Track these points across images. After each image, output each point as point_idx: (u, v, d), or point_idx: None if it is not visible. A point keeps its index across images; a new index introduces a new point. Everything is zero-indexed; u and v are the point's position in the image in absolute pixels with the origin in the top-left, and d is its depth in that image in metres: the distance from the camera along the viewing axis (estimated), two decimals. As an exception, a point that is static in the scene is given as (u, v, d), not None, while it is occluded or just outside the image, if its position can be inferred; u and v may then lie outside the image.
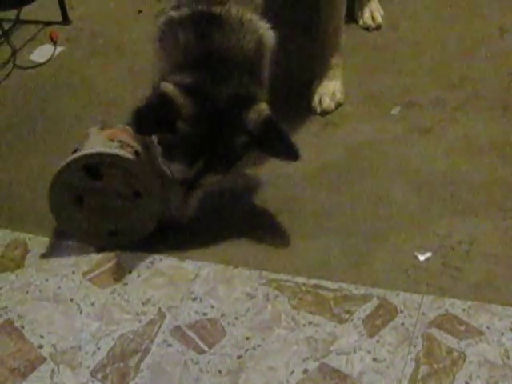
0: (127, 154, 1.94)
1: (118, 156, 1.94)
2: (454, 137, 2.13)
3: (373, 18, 2.57)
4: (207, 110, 1.86)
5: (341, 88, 2.32)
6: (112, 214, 2.00)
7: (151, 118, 1.86)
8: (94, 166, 1.94)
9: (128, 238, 2.02)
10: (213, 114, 1.85)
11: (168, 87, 1.85)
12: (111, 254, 1.99)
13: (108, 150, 1.95)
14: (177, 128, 1.85)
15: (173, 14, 1.97)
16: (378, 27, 2.56)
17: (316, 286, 1.83)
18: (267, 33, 1.97)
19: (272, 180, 2.12)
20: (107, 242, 2.03)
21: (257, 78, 1.92)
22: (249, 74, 1.90)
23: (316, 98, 2.31)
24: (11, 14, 2.85)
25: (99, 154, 1.94)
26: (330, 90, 2.31)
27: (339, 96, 2.30)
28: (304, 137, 2.20)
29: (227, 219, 2.04)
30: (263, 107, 1.87)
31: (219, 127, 1.86)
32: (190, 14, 1.94)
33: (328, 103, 2.29)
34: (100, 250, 2.01)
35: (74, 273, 1.96)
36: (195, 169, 1.87)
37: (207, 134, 1.86)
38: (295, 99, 2.33)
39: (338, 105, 2.30)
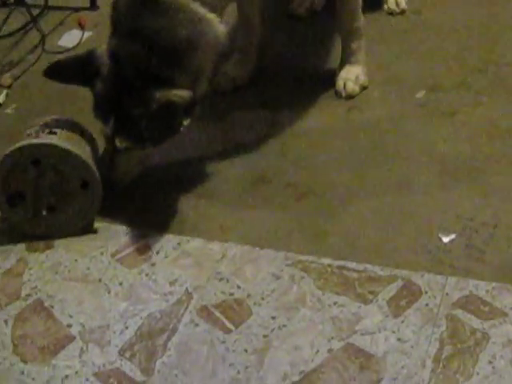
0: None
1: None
2: (478, 121, 2.12)
3: (397, 3, 2.56)
4: (119, 76, 1.92)
5: (364, 71, 2.32)
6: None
7: (72, 66, 2.02)
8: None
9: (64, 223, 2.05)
10: (122, 81, 1.92)
11: (101, 47, 1.97)
12: (139, 236, 1.99)
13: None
14: (94, 84, 1.97)
15: None
16: (402, 12, 2.56)
17: (341, 267, 1.83)
18: (213, 28, 1.95)
19: (298, 162, 2.12)
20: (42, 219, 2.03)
21: (181, 65, 1.91)
22: (171, 59, 1.90)
23: (340, 83, 2.30)
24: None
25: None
26: (353, 75, 2.31)
27: (363, 79, 2.30)
28: (330, 121, 2.21)
29: (254, 202, 2.05)
30: (172, 93, 1.87)
31: (126, 95, 1.91)
32: None
33: (352, 87, 2.29)
34: (128, 231, 2.01)
35: (102, 253, 1.97)
36: (110, 128, 1.95)
37: (115, 98, 1.93)
38: (321, 84, 2.33)
39: (363, 88, 2.30)
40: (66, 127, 2.05)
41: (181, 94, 1.86)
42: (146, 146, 2.00)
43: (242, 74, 2.38)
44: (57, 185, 1.99)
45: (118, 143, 1.91)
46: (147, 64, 1.89)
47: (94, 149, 2.08)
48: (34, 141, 1.97)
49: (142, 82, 1.89)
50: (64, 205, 2.01)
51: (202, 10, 1.92)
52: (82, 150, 2.01)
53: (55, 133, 2.00)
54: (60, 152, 1.96)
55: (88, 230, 2.06)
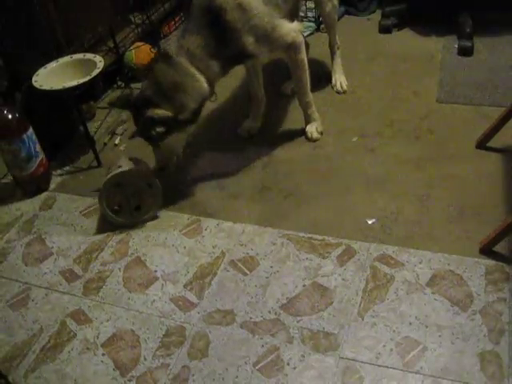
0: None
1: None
2: (388, 154, 2.12)
3: (341, 86, 2.52)
4: (135, 104, 1.92)
5: (320, 124, 2.25)
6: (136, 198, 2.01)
7: (124, 100, 2.10)
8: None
9: (147, 212, 2.02)
10: (136, 107, 1.90)
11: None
12: (194, 219, 2.00)
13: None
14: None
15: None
16: (344, 91, 2.51)
17: (310, 238, 1.85)
18: (199, 83, 1.87)
19: (285, 177, 2.12)
20: (135, 215, 2.02)
21: (169, 97, 1.83)
22: (165, 93, 1.83)
23: (308, 133, 2.25)
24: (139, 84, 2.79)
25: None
26: (314, 128, 2.24)
27: (320, 129, 2.25)
28: (302, 153, 2.20)
29: (259, 199, 2.04)
30: (153, 112, 1.82)
31: (137, 113, 1.91)
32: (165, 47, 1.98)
33: (316, 135, 2.24)
34: (189, 217, 2.02)
35: (174, 229, 1.98)
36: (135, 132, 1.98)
37: (133, 114, 1.95)
38: (297, 134, 2.31)
39: (321, 134, 2.25)
40: (126, 161, 2.02)
41: (159, 113, 1.81)
42: (153, 144, 1.95)
43: (254, 127, 2.33)
44: (136, 192, 1.99)
45: (133, 135, 1.98)
46: (150, 95, 1.85)
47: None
48: (111, 174, 1.96)
49: (143, 105, 1.85)
50: (143, 202, 2.00)
51: (195, 72, 1.85)
52: (141, 167, 2.00)
53: (121, 166, 1.98)
54: (127, 173, 1.96)
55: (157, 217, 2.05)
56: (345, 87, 2.51)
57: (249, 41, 1.87)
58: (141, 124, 1.89)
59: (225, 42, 1.85)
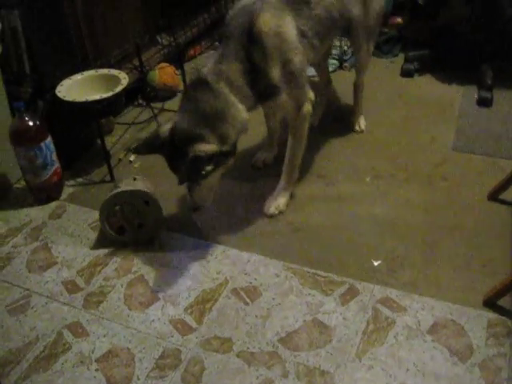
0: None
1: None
2: (399, 197, 2.12)
3: (359, 127, 2.51)
4: (171, 142, 1.72)
5: (284, 201, 2.09)
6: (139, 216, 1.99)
7: (147, 145, 1.83)
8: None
9: (150, 231, 2.00)
10: (173, 147, 1.71)
11: (164, 126, 1.78)
12: (201, 244, 1.99)
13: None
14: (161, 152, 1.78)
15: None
16: (362, 131, 2.51)
17: (314, 274, 1.84)
18: (239, 112, 1.74)
19: (297, 212, 2.11)
20: (139, 233, 2.00)
21: (211, 128, 1.68)
22: (206, 123, 1.68)
23: (267, 206, 2.10)
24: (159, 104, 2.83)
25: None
26: (280, 201, 2.09)
27: (281, 208, 2.08)
28: (316, 191, 2.19)
29: (268, 231, 2.03)
30: (199, 149, 1.65)
31: (175, 154, 1.72)
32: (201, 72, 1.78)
33: (273, 210, 2.08)
34: (194, 241, 2.01)
35: (180, 252, 1.97)
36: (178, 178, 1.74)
37: (170, 157, 1.76)
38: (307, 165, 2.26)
39: (279, 212, 2.09)
40: (126, 181, 2.02)
41: (206, 149, 1.65)
42: (193, 183, 1.77)
43: (269, 157, 2.32)
44: (135, 211, 1.97)
45: (179, 182, 1.75)
46: (187, 128, 1.68)
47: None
48: (108, 196, 1.96)
49: (185, 142, 1.67)
50: (144, 220, 1.99)
51: (236, 100, 1.73)
52: (135, 187, 1.96)
53: (119, 186, 1.98)
54: (122, 193, 1.95)
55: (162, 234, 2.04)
56: (363, 127, 2.51)
57: (277, 73, 1.79)
58: (186, 166, 1.66)
59: (259, 71, 1.76)
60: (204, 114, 1.69)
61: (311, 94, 1.95)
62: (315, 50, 1.94)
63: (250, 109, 1.80)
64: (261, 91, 1.79)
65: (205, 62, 1.82)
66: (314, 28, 1.89)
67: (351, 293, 1.75)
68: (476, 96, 2.68)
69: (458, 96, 2.72)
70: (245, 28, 1.75)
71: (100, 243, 2.03)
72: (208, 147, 1.66)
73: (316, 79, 2.64)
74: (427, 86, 2.85)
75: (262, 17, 1.75)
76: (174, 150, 1.71)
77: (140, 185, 1.98)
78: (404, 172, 2.25)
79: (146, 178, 2.08)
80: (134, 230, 1.99)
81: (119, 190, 1.95)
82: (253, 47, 1.74)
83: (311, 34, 1.88)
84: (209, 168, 1.71)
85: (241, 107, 1.75)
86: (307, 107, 1.95)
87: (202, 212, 1.94)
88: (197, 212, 1.91)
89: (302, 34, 1.85)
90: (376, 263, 1.84)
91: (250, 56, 1.75)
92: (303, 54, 1.85)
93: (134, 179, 2.01)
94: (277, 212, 2.06)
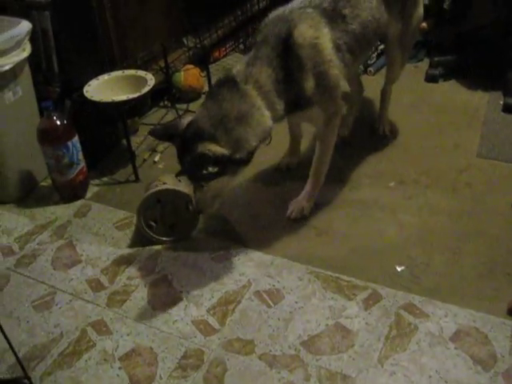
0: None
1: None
2: (423, 203, 2.10)
3: (384, 131, 2.50)
4: (184, 135, 1.67)
5: (308, 206, 2.07)
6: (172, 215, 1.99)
7: (165, 131, 1.81)
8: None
9: (179, 234, 2.01)
10: (185, 139, 1.67)
11: (185, 117, 1.76)
12: (226, 245, 1.99)
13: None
14: (175, 141, 1.74)
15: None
16: (386, 136, 2.50)
17: (337, 278, 1.83)
18: (263, 119, 1.69)
19: (320, 216, 2.11)
20: (168, 233, 2.00)
21: (229, 129, 1.62)
22: (225, 124, 1.62)
23: (293, 207, 2.09)
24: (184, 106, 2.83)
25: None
26: (304, 203, 2.07)
27: (307, 211, 2.07)
28: (339, 195, 2.18)
29: (291, 234, 2.03)
30: (206, 148, 1.59)
31: (184, 147, 1.67)
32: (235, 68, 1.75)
33: (296, 214, 2.07)
34: (220, 244, 2.01)
35: (204, 253, 1.98)
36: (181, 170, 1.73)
37: (180, 151, 1.70)
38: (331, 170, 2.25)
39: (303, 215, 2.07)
40: (171, 179, 2.01)
41: (214, 149, 1.59)
42: (197, 184, 1.73)
43: (293, 162, 2.30)
44: (173, 211, 1.98)
45: (176, 174, 1.73)
46: (205, 126, 1.63)
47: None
48: (155, 189, 1.95)
49: (195, 138, 1.63)
50: (178, 222, 2.00)
51: (262, 106, 1.68)
52: (182, 188, 1.95)
53: (166, 183, 1.98)
54: (169, 191, 1.95)
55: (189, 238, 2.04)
56: (387, 132, 2.50)
57: (310, 84, 1.76)
58: (189, 161, 1.65)
59: (291, 81, 1.73)
60: (225, 114, 1.64)
61: (343, 107, 1.93)
62: (350, 65, 1.90)
63: (276, 118, 1.75)
64: (291, 101, 1.76)
65: (235, 64, 1.81)
66: (349, 43, 1.86)
67: (374, 298, 1.74)
68: (501, 102, 2.65)
69: (483, 102, 2.70)
70: (281, 36, 1.73)
71: (125, 242, 2.04)
72: (217, 149, 1.60)
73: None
74: (452, 91, 2.83)
75: (299, 27, 1.74)
76: (185, 142, 1.67)
77: (185, 188, 1.97)
78: (428, 178, 2.23)
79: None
80: (164, 228, 2.00)
81: (168, 186, 1.95)
82: (287, 57, 1.72)
83: (345, 48, 1.85)
84: (212, 170, 1.64)
85: (266, 114, 1.70)
86: (337, 120, 1.93)
87: (207, 215, 1.97)
88: (196, 215, 1.92)
89: (337, 48, 1.82)
90: (399, 269, 1.84)
91: (284, 65, 1.72)
92: (338, 67, 1.82)
93: (179, 180, 2.00)
94: (300, 216, 2.05)
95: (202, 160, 1.62)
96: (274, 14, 1.85)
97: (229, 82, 1.69)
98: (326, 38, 1.78)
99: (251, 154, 1.70)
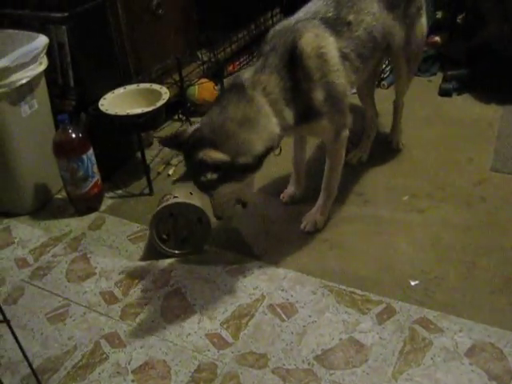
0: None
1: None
2: (437, 217, 2.09)
3: (397, 144, 2.49)
4: (188, 139, 1.66)
5: (321, 222, 2.07)
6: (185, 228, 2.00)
7: (173, 140, 1.74)
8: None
9: (192, 247, 2.01)
10: (189, 146, 1.66)
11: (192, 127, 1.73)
12: (239, 259, 1.99)
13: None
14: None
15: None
16: (400, 150, 2.49)
17: (351, 292, 1.82)
18: (268, 120, 1.66)
19: (332, 229, 2.11)
20: (181, 247, 2.01)
21: (231, 134, 1.60)
22: (227, 128, 1.61)
23: (306, 221, 2.08)
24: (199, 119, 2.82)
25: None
26: (313, 219, 2.07)
27: (320, 225, 2.07)
28: (353, 209, 2.18)
29: (304, 248, 2.02)
30: (205, 154, 1.57)
31: (189, 154, 1.66)
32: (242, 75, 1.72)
33: (310, 227, 2.07)
34: (234, 256, 2.01)
35: (217, 266, 1.98)
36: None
37: (185, 154, 1.70)
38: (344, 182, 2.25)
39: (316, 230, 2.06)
40: (183, 192, 2.02)
41: (213, 156, 1.57)
42: (204, 191, 1.72)
43: (296, 193, 2.23)
44: (186, 224, 1.99)
45: (208, 193, 1.72)
46: (205, 131, 1.63)
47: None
48: (167, 203, 1.96)
49: (197, 145, 1.61)
50: (191, 236, 2.01)
51: (270, 112, 1.66)
52: (194, 201, 1.96)
53: (177, 196, 1.98)
54: (182, 205, 1.96)
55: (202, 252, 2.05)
56: (401, 146, 2.50)
57: (318, 95, 1.74)
58: (191, 168, 1.68)
59: (299, 90, 1.71)
60: (229, 118, 1.61)
61: (350, 119, 1.91)
62: (358, 73, 1.90)
63: (285, 128, 1.71)
64: (300, 112, 1.73)
65: (243, 71, 1.79)
66: (356, 50, 1.86)
67: (388, 312, 1.73)
68: (515, 116, 2.64)
69: (497, 116, 2.69)
70: (287, 46, 1.72)
71: (138, 255, 2.05)
72: (216, 155, 1.57)
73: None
74: (466, 105, 2.82)
75: (305, 37, 1.73)
76: (188, 150, 1.66)
77: (197, 201, 1.98)
78: (441, 192, 2.22)
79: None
80: (176, 242, 2.00)
81: (179, 200, 1.96)
82: (295, 67, 1.71)
83: (353, 55, 1.85)
84: (211, 177, 1.61)
85: (274, 120, 1.66)
86: (345, 132, 1.91)
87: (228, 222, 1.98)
88: (219, 220, 1.87)
89: (343, 56, 1.81)
90: (413, 283, 1.82)
91: (292, 75, 1.70)
92: (345, 76, 1.81)
93: (191, 193, 2.01)
94: (313, 229, 2.04)
95: (201, 167, 1.60)
96: (280, 26, 1.84)
97: (236, 88, 1.68)
98: (331, 46, 1.77)
99: (258, 159, 1.66)
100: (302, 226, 2.05)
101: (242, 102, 1.63)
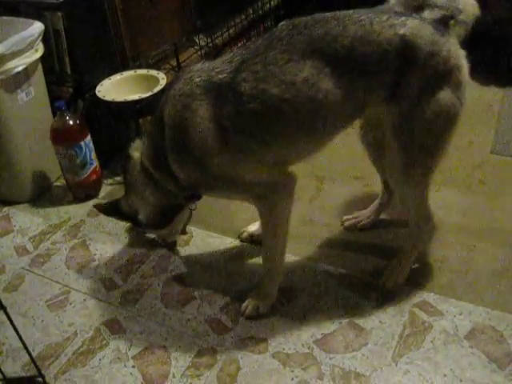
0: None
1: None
2: (437, 200, 2.01)
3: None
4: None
5: (264, 305, 1.70)
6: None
7: None
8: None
9: None
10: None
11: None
12: (238, 244, 1.99)
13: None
14: None
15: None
16: None
17: (351, 276, 1.83)
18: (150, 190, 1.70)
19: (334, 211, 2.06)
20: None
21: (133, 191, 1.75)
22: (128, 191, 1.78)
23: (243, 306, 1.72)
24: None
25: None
26: (252, 304, 1.71)
27: (262, 310, 1.70)
28: (349, 187, 2.17)
29: (307, 230, 2.01)
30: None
31: None
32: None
33: (250, 312, 1.70)
34: (232, 241, 2.00)
35: (216, 252, 1.98)
36: None
37: None
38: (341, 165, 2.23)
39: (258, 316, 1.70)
40: None
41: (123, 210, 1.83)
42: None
43: (256, 232, 1.98)
44: None
45: None
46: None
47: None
48: None
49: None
50: None
51: (141, 177, 1.73)
52: None
53: None
54: None
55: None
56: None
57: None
58: None
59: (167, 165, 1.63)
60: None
61: (286, 178, 1.55)
62: (249, 153, 1.48)
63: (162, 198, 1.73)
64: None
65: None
66: (243, 124, 1.44)
67: (388, 296, 1.73)
68: (516, 99, 2.63)
69: (497, 99, 2.67)
70: (158, 116, 1.57)
71: (138, 242, 2.05)
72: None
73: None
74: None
75: (171, 107, 1.50)
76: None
77: None
78: (442, 175, 2.18)
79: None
80: None
81: None
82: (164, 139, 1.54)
83: (238, 129, 1.45)
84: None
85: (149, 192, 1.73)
86: (281, 199, 1.56)
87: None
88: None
89: (223, 128, 1.44)
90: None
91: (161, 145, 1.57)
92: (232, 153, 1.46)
93: None
94: (255, 314, 1.70)
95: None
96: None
97: (128, 157, 1.75)
98: (204, 117, 1.43)
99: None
100: (243, 307, 1.70)
101: (133, 169, 1.72)
